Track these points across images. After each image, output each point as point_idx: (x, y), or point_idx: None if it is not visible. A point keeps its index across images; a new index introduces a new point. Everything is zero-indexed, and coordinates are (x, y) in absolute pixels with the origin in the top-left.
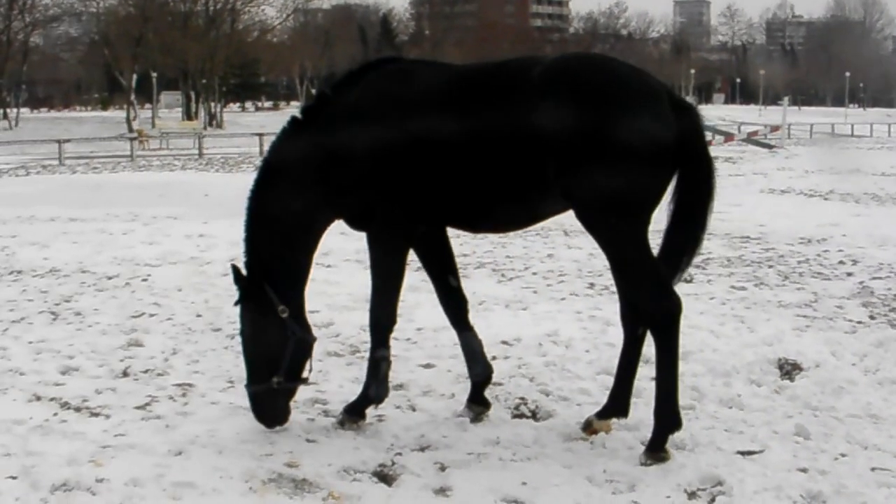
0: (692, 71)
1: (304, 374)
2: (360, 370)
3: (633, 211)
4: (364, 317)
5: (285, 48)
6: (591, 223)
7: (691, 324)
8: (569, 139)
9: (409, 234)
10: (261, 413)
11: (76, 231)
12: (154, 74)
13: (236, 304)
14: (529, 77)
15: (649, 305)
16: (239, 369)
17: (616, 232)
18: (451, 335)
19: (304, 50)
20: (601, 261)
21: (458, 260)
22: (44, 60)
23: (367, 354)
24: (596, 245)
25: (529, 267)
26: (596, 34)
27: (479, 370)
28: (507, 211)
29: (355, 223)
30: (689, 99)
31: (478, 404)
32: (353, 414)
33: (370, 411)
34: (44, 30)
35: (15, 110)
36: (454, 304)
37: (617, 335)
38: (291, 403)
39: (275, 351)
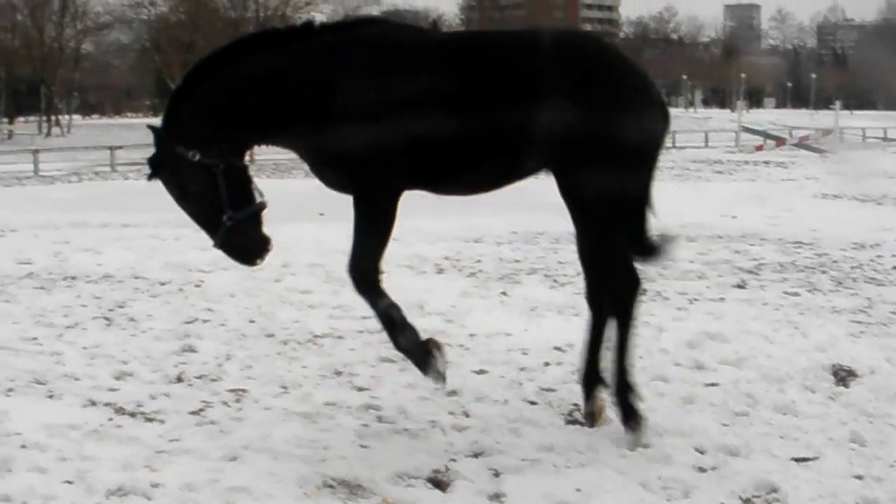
0: (742, 75)
1: (257, 198)
2: (413, 376)
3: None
4: (417, 322)
5: None
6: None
7: (744, 329)
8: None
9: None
10: (239, 254)
11: (128, 237)
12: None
13: (150, 178)
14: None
15: (620, 286)
16: (293, 375)
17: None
18: (505, 341)
19: None
20: (653, 266)
21: (509, 265)
22: (95, 67)
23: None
24: None
25: (581, 272)
26: (646, 39)
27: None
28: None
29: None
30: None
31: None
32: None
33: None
34: (95, 37)
35: (67, 117)
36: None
37: (670, 341)
38: (346, 407)
39: (209, 195)
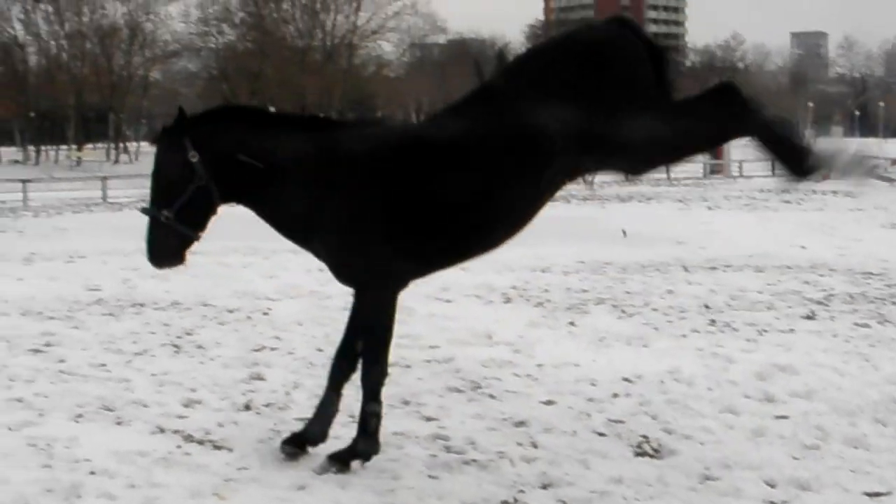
0: (810, 104)
1: (201, 232)
2: (482, 406)
3: None
4: (485, 351)
5: (401, 83)
6: None
7: (814, 361)
8: None
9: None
10: (148, 243)
11: (196, 264)
12: (272, 109)
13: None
14: None
15: None
16: (359, 405)
17: None
18: (573, 371)
19: (419, 84)
20: (722, 297)
21: (577, 295)
22: (163, 95)
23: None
24: (717, 281)
25: (649, 303)
26: (713, 67)
27: (316, 431)
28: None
29: None
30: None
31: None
32: (337, 462)
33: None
34: (163, 65)
35: (135, 144)
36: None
37: (739, 373)
38: (414, 437)
39: (174, 187)
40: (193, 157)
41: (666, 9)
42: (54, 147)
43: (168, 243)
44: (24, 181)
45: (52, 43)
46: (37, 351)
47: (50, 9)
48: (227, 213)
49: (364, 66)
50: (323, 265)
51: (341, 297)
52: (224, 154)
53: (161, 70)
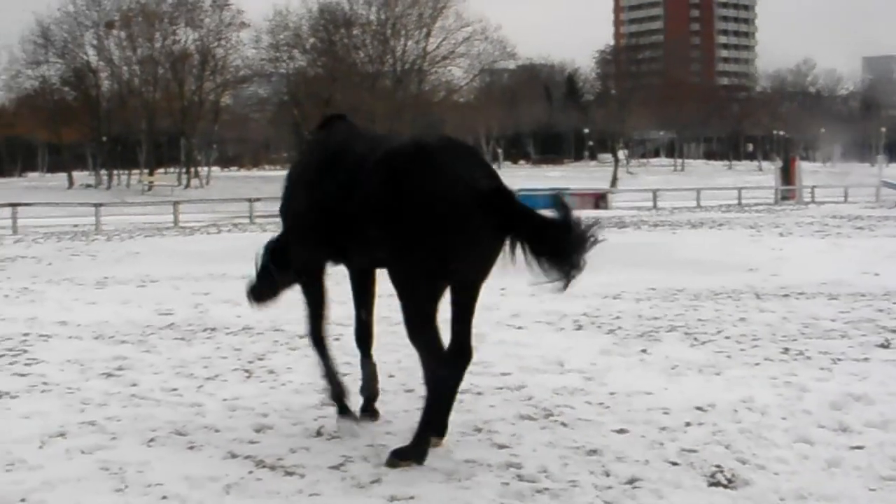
0: (882, 129)
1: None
2: (554, 434)
3: None
4: (557, 379)
5: (471, 108)
6: None
7: (890, 391)
8: None
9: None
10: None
11: None
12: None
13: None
14: None
15: None
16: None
17: None
18: (645, 400)
19: (489, 110)
20: (795, 325)
21: (649, 322)
22: (234, 120)
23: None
24: (790, 308)
25: (722, 330)
26: (783, 92)
27: (366, 390)
28: None
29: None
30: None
31: (368, 413)
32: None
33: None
34: (234, 90)
35: (206, 169)
36: (363, 333)
37: (813, 402)
38: (486, 465)
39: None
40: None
41: (737, 34)
42: (126, 171)
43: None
44: (96, 205)
45: (125, 68)
46: (109, 375)
47: (123, 35)
48: None
49: (434, 92)
50: (394, 292)
51: None
52: None
53: (232, 95)
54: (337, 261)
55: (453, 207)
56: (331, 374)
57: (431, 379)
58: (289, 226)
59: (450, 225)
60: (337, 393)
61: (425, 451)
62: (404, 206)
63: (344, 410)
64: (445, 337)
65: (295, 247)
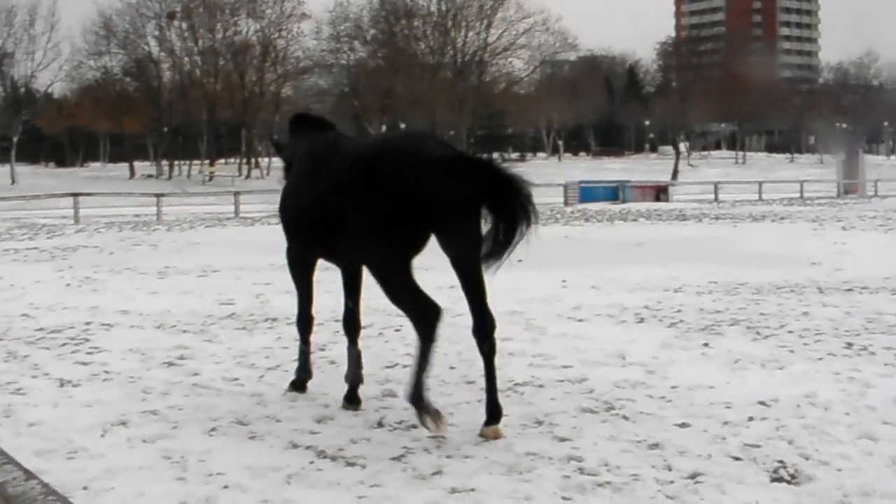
0: None
1: None
2: (615, 427)
3: None
4: (618, 372)
5: (532, 100)
6: None
7: None
8: None
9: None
10: None
11: (328, 280)
12: (402, 126)
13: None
14: None
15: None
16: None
17: None
18: (707, 394)
19: (550, 102)
20: (858, 320)
21: (711, 316)
22: (294, 111)
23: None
24: (853, 303)
25: (784, 325)
26: (846, 85)
27: (351, 377)
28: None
29: None
30: None
31: (350, 402)
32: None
33: None
34: (295, 81)
35: (266, 159)
36: (351, 321)
37: (877, 398)
38: (547, 458)
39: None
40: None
41: (799, 26)
42: (187, 162)
43: None
44: (157, 195)
45: (186, 59)
46: (171, 364)
47: (184, 26)
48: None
49: (494, 83)
50: (454, 283)
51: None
52: None
53: (292, 86)
54: (323, 256)
55: (410, 177)
56: (304, 357)
57: (419, 326)
58: (284, 222)
59: (408, 195)
60: (301, 378)
61: (421, 396)
62: (371, 191)
63: (297, 386)
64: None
65: (288, 242)
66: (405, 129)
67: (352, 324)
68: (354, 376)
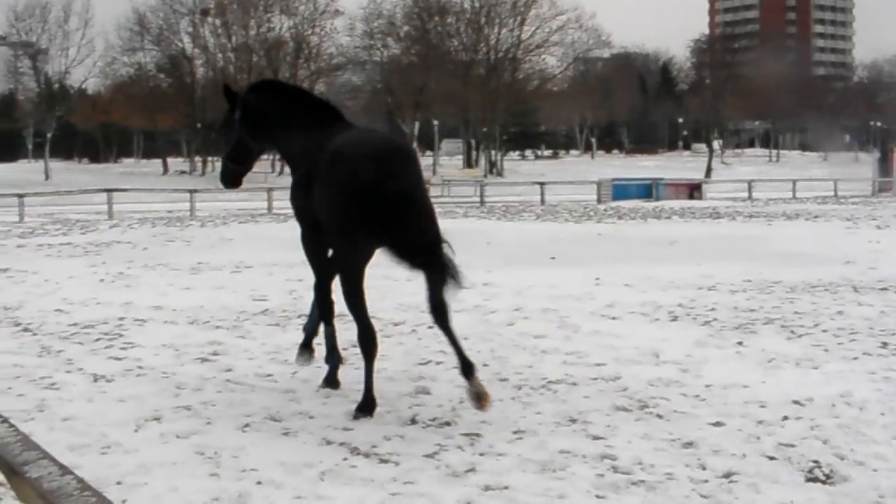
0: None
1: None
2: (649, 426)
3: None
4: (652, 370)
5: (565, 97)
6: None
7: None
8: None
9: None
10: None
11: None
12: (435, 122)
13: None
14: None
15: None
16: (527, 421)
17: None
18: (741, 393)
19: (583, 99)
20: (893, 319)
21: (745, 315)
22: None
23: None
24: (888, 303)
25: (819, 324)
26: (880, 83)
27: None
28: None
29: None
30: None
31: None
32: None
33: None
34: (328, 78)
35: None
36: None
37: None
38: (580, 456)
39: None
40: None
41: (833, 23)
42: (220, 158)
43: (226, 172)
44: (191, 191)
45: (219, 56)
46: (204, 360)
47: (217, 22)
48: None
49: (527, 80)
50: (487, 280)
51: (506, 313)
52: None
53: (326, 83)
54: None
55: (352, 166)
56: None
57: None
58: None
59: (352, 183)
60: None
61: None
62: (331, 186)
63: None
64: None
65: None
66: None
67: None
68: (335, 358)
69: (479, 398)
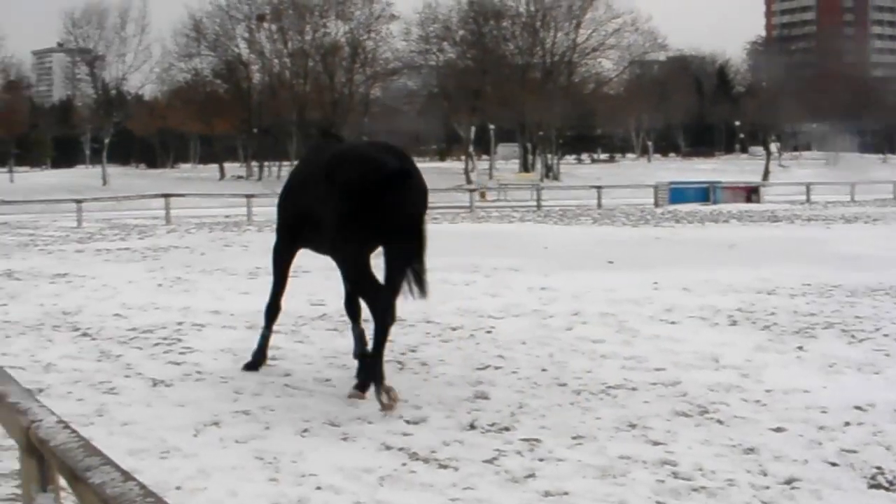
0: None
1: None
2: (709, 431)
3: None
4: (712, 375)
5: (621, 100)
6: None
7: None
8: None
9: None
10: None
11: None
12: (491, 126)
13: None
14: None
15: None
16: (586, 426)
17: None
18: (802, 398)
19: (639, 102)
20: None
21: (804, 319)
22: (383, 112)
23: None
24: None
25: (880, 328)
26: None
27: (358, 350)
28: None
29: None
30: None
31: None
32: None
33: None
34: (384, 82)
35: None
36: (349, 304)
37: None
38: (641, 462)
39: None
40: None
41: (892, 24)
42: (276, 163)
43: None
44: (248, 196)
45: (276, 61)
46: (263, 364)
47: (273, 28)
48: (449, 231)
49: (583, 84)
50: (545, 284)
51: (564, 317)
52: None
53: (381, 87)
54: (310, 247)
55: (361, 182)
56: (264, 342)
57: (372, 309)
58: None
59: (359, 195)
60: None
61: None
62: (334, 188)
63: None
64: None
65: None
66: (367, 141)
67: (351, 307)
68: (361, 351)
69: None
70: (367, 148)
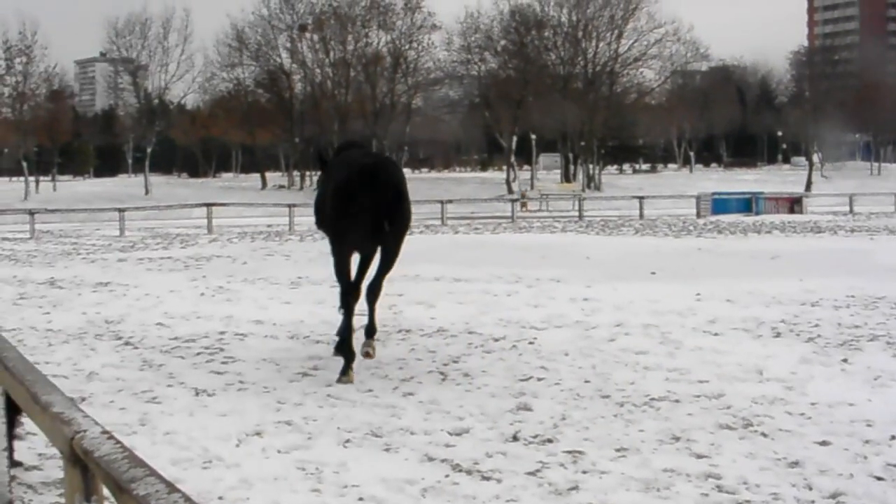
0: None
1: None
2: (754, 444)
3: None
4: (756, 388)
5: (663, 110)
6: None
7: None
8: None
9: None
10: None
11: (461, 291)
12: (533, 136)
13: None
14: None
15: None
16: (630, 438)
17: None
18: (847, 411)
19: (681, 112)
20: None
21: (849, 331)
22: (425, 121)
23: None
24: None
25: None
26: None
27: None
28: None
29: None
30: None
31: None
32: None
33: None
34: (425, 92)
35: None
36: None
37: None
38: (685, 475)
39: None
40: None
41: None
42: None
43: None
44: (290, 206)
45: (318, 71)
46: (305, 374)
47: (315, 38)
48: (491, 241)
49: (625, 94)
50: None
51: (607, 328)
52: None
53: (423, 97)
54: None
55: (340, 183)
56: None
57: (341, 298)
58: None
59: (339, 196)
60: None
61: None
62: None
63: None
64: None
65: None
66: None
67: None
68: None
69: (367, 353)
70: (355, 155)
